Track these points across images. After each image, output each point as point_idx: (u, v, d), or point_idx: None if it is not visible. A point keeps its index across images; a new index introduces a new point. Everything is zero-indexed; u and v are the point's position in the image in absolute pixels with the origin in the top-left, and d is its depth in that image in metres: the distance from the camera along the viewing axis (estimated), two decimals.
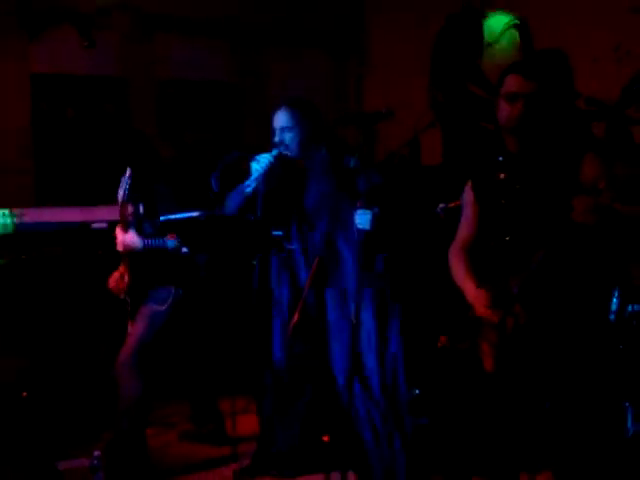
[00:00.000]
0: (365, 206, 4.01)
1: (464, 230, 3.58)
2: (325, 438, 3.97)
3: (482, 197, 3.45)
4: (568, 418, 3.27)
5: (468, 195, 3.53)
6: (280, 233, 4.25)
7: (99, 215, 5.47)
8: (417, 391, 5.05)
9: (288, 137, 4.22)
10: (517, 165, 3.32)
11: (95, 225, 5.47)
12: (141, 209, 4.51)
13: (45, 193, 6.31)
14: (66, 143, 6.41)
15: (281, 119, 4.24)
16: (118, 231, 4.49)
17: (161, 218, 4.07)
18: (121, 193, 4.42)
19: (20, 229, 5.43)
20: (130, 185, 4.37)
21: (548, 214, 3.20)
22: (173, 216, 4.05)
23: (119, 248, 4.48)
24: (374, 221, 3.98)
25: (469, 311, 3.45)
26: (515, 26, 6.12)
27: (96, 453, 4.04)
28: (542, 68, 3.32)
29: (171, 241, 4.38)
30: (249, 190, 4.19)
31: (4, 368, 5.30)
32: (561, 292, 3.23)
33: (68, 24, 6.18)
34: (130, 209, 4.48)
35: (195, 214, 3.98)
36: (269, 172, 4.15)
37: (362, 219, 3.99)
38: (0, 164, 6.01)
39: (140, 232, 4.47)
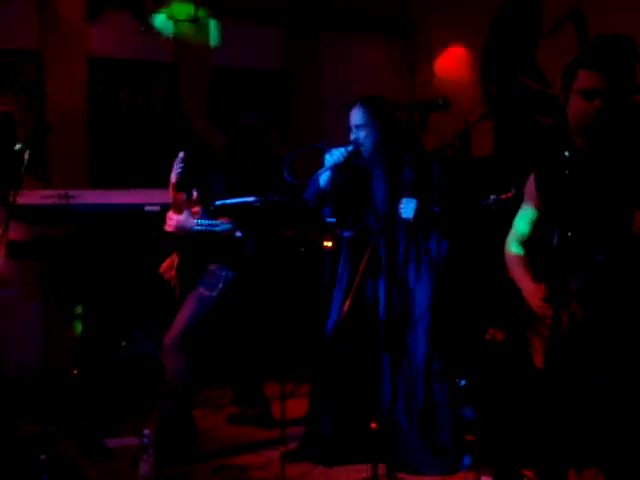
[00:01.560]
0: (410, 195, 4.05)
1: (523, 222, 3.56)
2: (373, 425, 3.98)
3: (545, 191, 3.43)
4: (618, 416, 3.25)
5: (530, 188, 3.50)
6: (334, 220, 4.29)
7: (152, 198, 5.52)
8: (463, 382, 5.05)
9: (362, 135, 4.32)
10: (584, 162, 3.29)
11: (148, 208, 5.52)
12: (194, 194, 4.56)
13: (99, 175, 6.38)
14: (120, 126, 6.48)
15: (356, 116, 4.35)
16: (170, 213, 4.54)
17: (216, 202, 4.11)
18: (173, 177, 4.47)
19: (75, 210, 5.52)
20: (182, 169, 4.41)
21: (612, 215, 3.17)
22: (228, 201, 4.09)
23: (170, 229, 4.51)
24: (417, 210, 4.03)
25: (523, 305, 3.45)
26: (571, 16, 6.05)
27: (146, 432, 4.09)
28: (616, 60, 3.19)
29: (224, 224, 4.42)
30: (323, 183, 4.30)
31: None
32: (618, 293, 3.21)
33: (126, 8, 6.24)
34: (183, 195, 4.53)
35: (250, 199, 4.02)
36: (340, 165, 4.25)
37: (406, 208, 4.05)
38: (57, 146, 6.10)
39: (193, 215, 4.52)
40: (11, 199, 4.27)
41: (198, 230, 4.46)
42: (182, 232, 4.49)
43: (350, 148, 4.28)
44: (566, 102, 3.25)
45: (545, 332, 3.34)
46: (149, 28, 6.15)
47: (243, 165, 6.48)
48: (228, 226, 4.43)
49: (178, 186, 4.49)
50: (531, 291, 3.37)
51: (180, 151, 4.44)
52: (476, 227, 4.90)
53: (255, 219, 4.14)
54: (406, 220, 4.12)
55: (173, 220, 4.48)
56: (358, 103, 4.39)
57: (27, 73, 6.11)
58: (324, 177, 4.32)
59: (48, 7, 6.09)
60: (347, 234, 4.37)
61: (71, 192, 5.53)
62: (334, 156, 4.24)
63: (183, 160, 4.42)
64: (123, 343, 5.73)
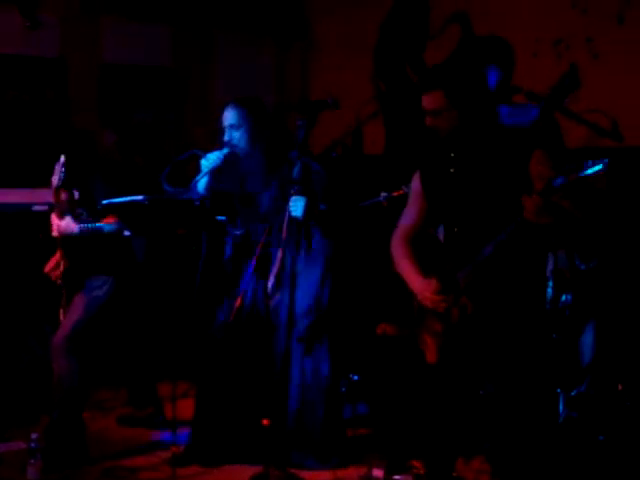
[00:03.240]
0: (299, 193, 4.07)
1: (408, 219, 3.62)
2: (265, 422, 3.99)
3: (431, 189, 3.50)
4: (503, 404, 3.34)
5: (415, 185, 3.57)
6: (224, 218, 4.27)
7: (40, 197, 5.41)
8: (355, 377, 5.12)
9: (236, 135, 4.28)
10: (467, 160, 3.37)
11: (36, 207, 5.41)
12: (76, 195, 4.50)
13: None
14: (7, 124, 6.30)
15: (229, 117, 4.31)
16: (53, 217, 4.48)
17: (104, 202, 4.05)
18: (55, 179, 4.41)
19: None
20: (64, 172, 4.35)
21: (496, 208, 3.26)
22: (116, 200, 4.04)
23: (55, 234, 4.47)
24: (306, 208, 4.05)
25: (412, 300, 3.50)
26: (456, 18, 6.19)
27: (34, 436, 4.02)
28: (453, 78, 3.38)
29: (109, 225, 4.38)
30: (202, 189, 4.27)
31: None
32: (504, 283, 3.30)
33: (11, 3, 6.08)
34: (64, 195, 4.47)
35: (138, 198, 3.97)
36: (217, 169, 4.21)
37: (295, 206, 4.06)
38: None
39: (75, 218, 4.46)
40: None
41: (83, 232, 4.41)
42: (65, 235, 4.43)
43: (225, 151, 4.24)
44: None
45: (436, 327, 3.40)
46: (35, 24, 6.00)
47: (132, 164, 6.39)
48: (114, 226, 4.39)
49: (60, 189, 4.43)
50: (421, 286, 3.42)
51: (61, 153, 4.38)
52: (367, 224, 4.97)
53: (144, 217, 4.10)
54: (295, 218, 4.09)
55: (55, 224, 4.43)
56: (231, 103, 4.35)
57: None
58: (202, 183, 4.27)
59: None
60: (238, 232, 4.36)
61: None
62: (210, 160, 4.20)
63: (64, 164, 4.36)
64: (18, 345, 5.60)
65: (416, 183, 3.57)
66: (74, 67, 6.47)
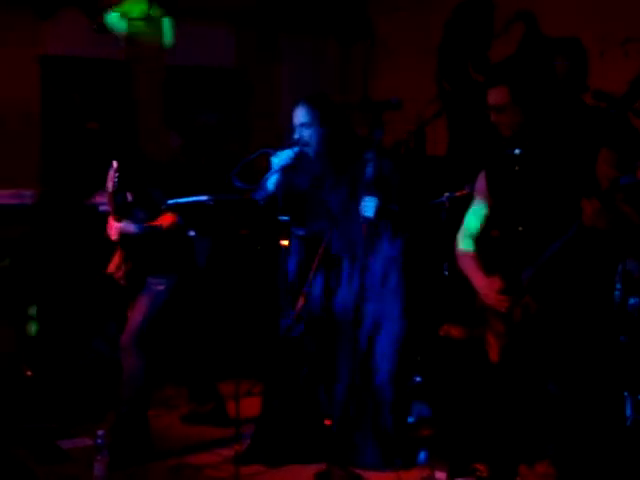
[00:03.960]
0: (370, 194, 4.05)
1: (473, 218, 3.59)
2: (327, 422, 3.99)
3: (496, 188, 3.47)
4: (570, 407, 3.29)
5: (481, 184, 3.54)
6: (287, 218, 4.28)
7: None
8: (418, 378, 5.08)
9: (307, 133, 4.28)
10: (532, 158, 3.33)
11: (102, 208, 5.50)
12: (129, 197, 4.57)
13: (51, 175, 6.32)
14: (74, 125, 6.41)
15: (299, 115, 4.31)
16: (111, 220, 4.55)
17: (169, 201, 4.10)
18: (110, 185, 4.48)
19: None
20: (117, 177, 4.43)
21: (562, 208, 3.22)
22: (181, 200, 4.08)
23: (113, 237, 4.54)
24: (378, 209, 4.03)
25: (475, 300, 3.48)
26: (521, 16, 6.12)
27: (100, 432, 4.07)
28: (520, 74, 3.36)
29: (167, 223, 4.44)
30: (272, 186, 4.29)
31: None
32: (569, 285, 3.26)
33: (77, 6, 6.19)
34: (119, 199, 4.53)
35: (203, 198, 4.01)
36: (288, 167, 4.23)
37: (367, 206, 4.04)
38: (8, 144, 6.05)
39: (132, 219, 4.53)
40: None
41: (141, 232, 4.47)
42: (126, 237, 4.51)
43: (296, 149, 4.24)
44: None
45: (499, 327, 3.37)
46: (102, 27, 6.09)
47: (197, 165, 6.46)
48: (172, 225, 4.45)
49: (115, 194, 4.50)
50: (485, 285, 3.40)
51: (114, 158, 4.46)
52: (429, 224, 4.94)
53: (209, 217, 4.13)
54: (367, 219, 4.08)
55: (114, 228, 4.51)
56: (301, 101, 4.34)
57: None
58: (272, 180, 4.28)
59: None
60: (301, 232, 4.37)
61: (24, 192, 5.50)
62: (281, 158, 4.22)
63: (118, 169, 4.43)
64: (84, 344, 5.70)
65: (481, 182, 3.54)
66: (139, 70, 6.56)
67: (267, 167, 4.24)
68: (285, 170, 4.27)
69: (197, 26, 6.83)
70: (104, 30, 6.14)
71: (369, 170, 4.09)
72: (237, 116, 7.11)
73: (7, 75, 6.08)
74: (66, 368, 5.57)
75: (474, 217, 3.60)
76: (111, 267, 4.69)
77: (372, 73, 7.30)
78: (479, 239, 3.58)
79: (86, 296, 5.62)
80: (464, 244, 3.59)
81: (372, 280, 4.26)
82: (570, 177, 3.22)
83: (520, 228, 3.37)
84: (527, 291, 3.27)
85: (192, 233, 4.43)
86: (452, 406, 4.62)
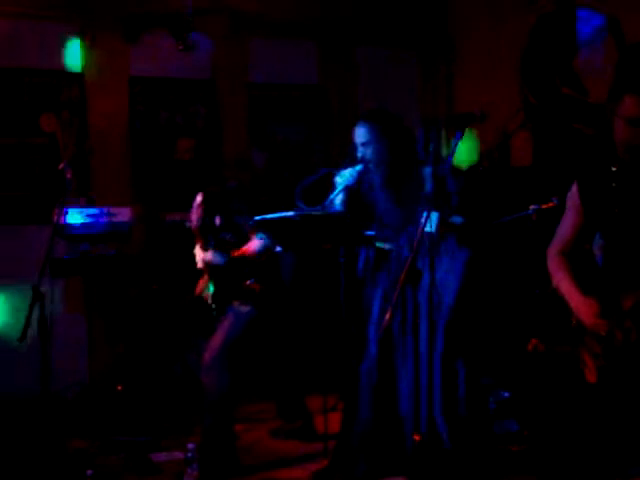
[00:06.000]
0: (432, 208, 4.01)
1: (566, 232, 3.50)
2: (416, 437, 3.96)
3: (590, 203, 3.37)
4: None
5: (574, 198, 3.45)
6: (372, 233, 4.28)
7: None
8: (506, 394, 5.02)
9: (368, 152, 4.26)
10: (632, 176, 3.24)
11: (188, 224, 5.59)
12: (217, 221, 4.64)
13: (141, 193, 6.46)
14: (161, 144, 6.54)
15: (360, 134, 4.29)
16: (198, 250, 4.65)
17: (256, 217, 4.15)
18: (194, 219, 4.57)
19: (117, 228, 5.63)
20: (202, 212, 4.56)
21: None
22: (268, 216, 4.12)
23: (199, 265, 4.65)
24: (438, 223, 3.99)
25: (570, 318, 3.40)
26: (607, 25, 6.01)
27: (190, 446, 4.13)
28: None
29: (256, 246, 4.49)
30: (339, 206, 4.29)
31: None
32: None
33: (165, 28, 6.32)
34: (207, 222, 4.65)
35: (289, 214, 4.04)
36: (352, 186, 4.23)
37: (429, 221, 3.99)
38: (100, 164, 6.20)
39: (221, 243, 4.61)
40: (55, 218, 4.36)
41: (227, 262, 4.57)
42: (210, 265, 4.60)
43: (359, 168, 4.24)
44: (611, 119, 3.21)
45: (595, 348, 3.28)
46: (188, 46, 6.21)
47: (282, 181, 6.52)
48: (260, 248, 4.52)
49: (201, 226, 4.60)
50: (582, 306, 3.30)
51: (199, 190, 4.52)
52: (515, 237, 4.87)
53: (295, 233, 4.16)
54: (428, 233, 3.97)
55: (200, 259, 4.62)
56: (360, 120, 4.31)
57: (69, 93, 6.21)
58: (338, 200, 4.27)
59: (89, 29, 6.20)
60: (388, 247, 4.35)
61: (113, 210, 5.63)
62: (344, 178, 4.22)
63: (202, 203, 4.52)
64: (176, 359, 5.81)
65: (574, 196, 3.45)
66: (224, 88, 6.66)
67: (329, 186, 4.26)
68: (349, 189, 4.25)
69: (279, 43, 6.91)
70: (190, 49, 6.25)
71: (429, 185, 4.05)
72: (319, 132, 7.15)
73: (100, 97, 6.27)
74: (159, 383, 5.68)
75: (566, 231, 3.51)
76: (199, 289, 4.78)
77: (453, 86, 7.27)
78: (572, 254, 3.49)
79: (178, 312, 5.72)
80: (556, 259, 3.50)
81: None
82: None
83: (618, 246, 3.26)
84: (628, 314, 3.17)
85: (278, 249, 4.47)
86: (543, 422, 4.55)
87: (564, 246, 3.49)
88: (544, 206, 4.71)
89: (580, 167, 3.49)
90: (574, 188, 3.44)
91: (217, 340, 4.61)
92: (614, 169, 3.26)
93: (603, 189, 3.30)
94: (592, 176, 3.37)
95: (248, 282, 4.60)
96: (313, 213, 4.16)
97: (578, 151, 5.92)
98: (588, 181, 3.39)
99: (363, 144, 4.27)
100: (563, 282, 3.42)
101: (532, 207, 4.81)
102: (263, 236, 4.52)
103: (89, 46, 6.21)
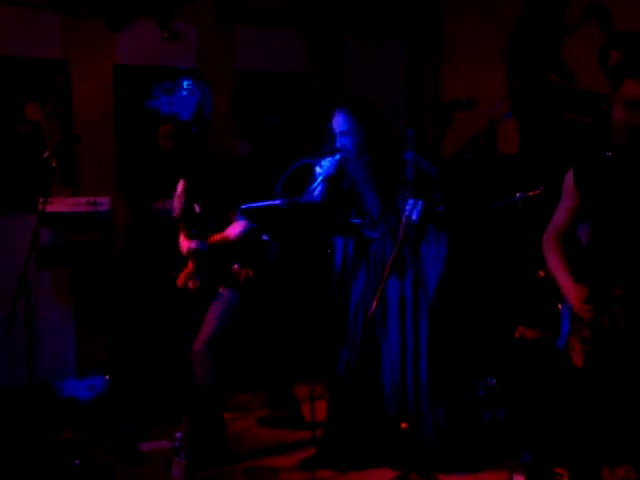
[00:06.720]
0: (415, 196, 4.00)
1: (561, 218, 3.50)
2: (403, 425, 3.97)
3: (586, 189, 3.36)
4: None
5: (568, 184, 3.44)
6: (359, 221, 4.26)
7: None
8: (493, 381, 5.03)
9: (347, 141, 4.23)
10: (627, 162, 3.22)
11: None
12: (197, 209, 4.62)
13: (126, 181, 6.42)
14: (147, 132, 6.50)
15: (338, 123, 4.25)
16: (182, 239, 4.62)
17: (243, 206, 4.12)
18: (177, 209, 4.55)
19: (102, 217, 5.60)
20: (184, 202, 4.54)
21: None
22: (254, 204, 4.10)
23: (184, 254, 4.62)
24: (422, 212, 3.98)
25: (557, 302, 3.40)
26: (594, 11, 6.01)
27: (178, 435, 4.13)
28: None
29: (235, 232, 4.49)
30: (319, 197, 4.27)
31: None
32: None
33: (150, 15, 6.28)
34: (187, 212, 4.61)
35: (277, 202, 4.02)
36: (332, 176, 4.21)
37: (412, 209, 4.00)
38: (85, 153, 6.16)
39: (203, 230, 4.58)
40: (40, 207, 4.33)
41: (211, 248, 4.56)
42: (195, 254, 4.58)
43: (338, 157, 4.20)
44: (612, 104, 3.18)
45: (584, 332, 3.29)
46: (173, 34, 6.17)
47: (266, 169, 6.49)
48: (241, 232, 4.51)
49: (183, 214, 4.58)
50: (571, 290, 3.31)
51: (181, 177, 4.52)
52: (501, 224, 4.87)
53: (281, 221, 4.14)
54: (411, 221, 4.03)
55: (185, 247, 4.58)
56: (338, 108, 4.28)
57: (54, 82, 6.17)
58: (318, 191, 4.25)
59: (74, 17, 6.15)
60: (374, 235, 4.34)
61: (98, 199, 5.60)
62: (324, 168, 4.19)
63: (183, 192, 4.49)
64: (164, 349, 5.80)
65: (569, 181, 3.44)
66: (210, 76, 6.63)
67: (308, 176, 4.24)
68: (329, 179, 4.22)
69: (266, 31, 6.87)
70: (175, 38, 6.21)
71: (410, 172, 4.03)
72: (305, 120, 7.12)
73: (84, 86, 6.23)
74: (147, 373, 5.66)
75: (561, 216, 3.51)
76: (181, 280, 4.75)
77: (440, 75, 7.25)
78: (567, 239, 3.49)
79: (166, 301, 5.70)
80: (550, 243, 3.50)
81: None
82: None
83: (611, 232, 3.25)
84: (618, 301, 3.17)
85: (265, 237, 4.45)
86: (530, 408, 4.56)
87: (559, 231, 3.50)
88: (530, 193, 4.71)
89: (575, 153, 3.47)
90: (569, 174, 3.43)
91: (206, 330, 4.60)
92: (609, 154, 3.25)
93: (598, 175, 3.29)
94: (586, 162, 3.36)
95: (235, 267, 4.58)
96: (301, 202, 4.15)
97: (570, 138, 5.91)
98: (583, 167, 3.37)
99: (342, 133, 4.23)
100: (556, 267, 3.44)
101: (518, 194, 4.81)
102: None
103: (73, 34, 6.16)
